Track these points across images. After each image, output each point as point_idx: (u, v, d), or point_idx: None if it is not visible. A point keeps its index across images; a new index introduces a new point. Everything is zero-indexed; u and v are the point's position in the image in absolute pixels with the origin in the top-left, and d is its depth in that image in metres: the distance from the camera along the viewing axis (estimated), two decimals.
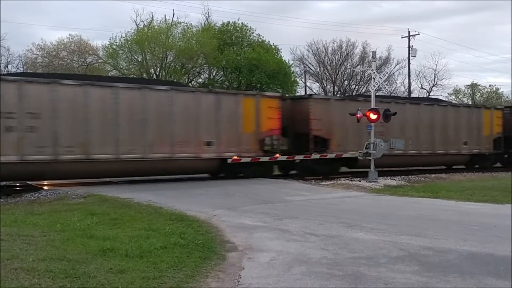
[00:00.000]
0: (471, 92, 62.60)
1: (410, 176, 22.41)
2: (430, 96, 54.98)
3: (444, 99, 53.18)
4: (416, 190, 17.01)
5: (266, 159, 20.25)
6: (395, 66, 53.06)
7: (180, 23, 38.44)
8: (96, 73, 37.82)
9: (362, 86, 49.58)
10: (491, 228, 9.80)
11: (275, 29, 66.03)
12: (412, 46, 45.69)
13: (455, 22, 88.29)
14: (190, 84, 39.22)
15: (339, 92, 50.19)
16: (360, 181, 19.60)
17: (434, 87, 57.39)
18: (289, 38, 75.28)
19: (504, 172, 26.44)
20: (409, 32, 47.00)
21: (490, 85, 65.40)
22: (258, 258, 7.43)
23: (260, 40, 40.51)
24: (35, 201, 14.28)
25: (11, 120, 15.56)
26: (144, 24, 39.26)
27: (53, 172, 16.88)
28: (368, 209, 12.71)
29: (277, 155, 20.64)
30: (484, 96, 62.21)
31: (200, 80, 40.56)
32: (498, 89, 63.94)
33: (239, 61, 37.16)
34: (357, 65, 48.70)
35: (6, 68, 41.97)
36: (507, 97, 62.68)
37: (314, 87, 53.44)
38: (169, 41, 36.42)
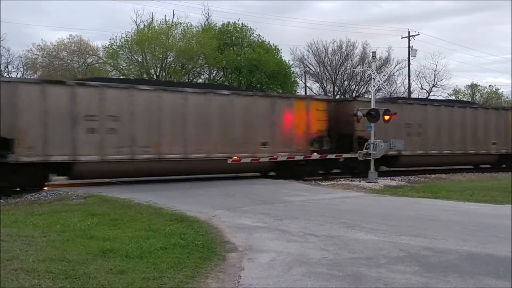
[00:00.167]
0: (471, 93, 62.60)
1: (410, 177, 22.42)
2: (429, 97, 55.01)
3: (444, 99, 53.19)
4: (416, 191, 17.01)
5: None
6: (395, 66, 53.07)
7: (180, 23, 38.48)
8: (96, 73, 37.83)
9: (362, 87, 49.58)
10: (491, 229, 9.81)
11: (275, 29, 66.13)
12: (412, 46, 45.71)
13: (455, 22, 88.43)
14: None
15: (339, 93, 50.19)
16: (360, 182, 19.60)
17: (434, 88, 57.39)
18: (289, 39, 75.35)
19: (504, 172, 26.45)
20: (409, 32, 47.04)
21: (490, 86, 65.51)
22: (258, 258, 7.44)
23: (260, 40, 40.53)
24: (35, 202, 14.28)
25: (93, 122, 16.78)
26: (144, 25, 39.30)
27: (130, 170, 18.02)
28: (368, 210, 12.72)
29: (315, 153, 21.29)
30: (484, 96, 62.21)
31: (200, 80, 40.57)
32: (498, 89, 64.07)
33: (239, 62, 37.18)
34: (357, 66, 48.67)
35: (6, 69, 41.99)
36: (507, 97, 62.75)
37: (314, 87, 53.46)
38: (169, 41, 36.44)
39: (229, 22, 40.51)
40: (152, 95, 18.11)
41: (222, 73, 40.35)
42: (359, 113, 20.10)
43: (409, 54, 46.75)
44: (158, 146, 18.01)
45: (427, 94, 56.54)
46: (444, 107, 26.33)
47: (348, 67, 50.03)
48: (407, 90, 51.39)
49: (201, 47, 35.99)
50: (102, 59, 40.28)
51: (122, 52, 37.08)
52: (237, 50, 38.54)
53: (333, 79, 51.22)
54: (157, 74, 36.94)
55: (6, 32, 50.29)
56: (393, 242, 8.48)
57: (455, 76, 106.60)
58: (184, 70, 38.38)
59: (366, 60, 47.22)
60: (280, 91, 36.35)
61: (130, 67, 37.81)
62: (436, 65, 61.96)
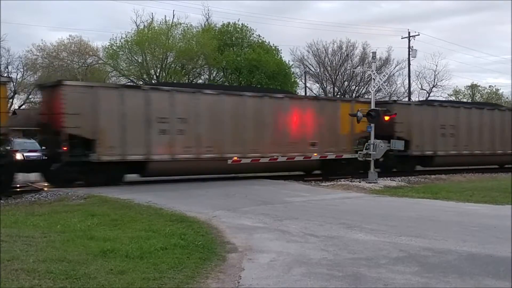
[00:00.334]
0: (471, 93, 62.60)
1: (410, 177, 22.44)
2: (429, 97, 55.03)
3: (443, 100, 53.23)
4: (416, 191, 17.00)
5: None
6: (395, 67, 53.11)
7: (180, 24, 38.56)
8: (96, 74, 37.88)
9: (362, 87, 49.60)
10: (491, 229, 9.81)
11: (275, 29, 66.16)
12: (412, 46, 45.68)
13: (455, 23, 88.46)
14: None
15: (339, 93, 50.20)
16: (360, 182, 19.60)
17: (434, 88, 57.43)
18: (289, 39, 75.39)
19: (504, 173, 26.45)
20: (409, 32, 47.02)
21: (490, 86, 65.55)
22: (258, 259, 7.44)
23: (260, 41, 40.58)
24: (36, 202, 14.29)
25: (164, 124, 18.10)
26: (144, 25, 39.37)
27: (195, 168, 19.16)
28: (368, 210, 12.72)
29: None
30: (484, 97, 62.18)
31: (200, 80, 40.60)
32: (498, 90, 64.08)
33: (239, 62, 37.22)
34: (357, 66, 48.69)
35: (6, 69, 42.01)
36: (507, 98, 62.74)
37: (314, 87, 53.52)
38: (169, 42, 36.49)
39: (229, 23, 40.60)
40: (215, 99, 19.56)
41: (222, 73, 40.39)
42: (359, 114, 20.13)
43: (409, 54, 46.77)
44: (220, 146, 19.30)
45: (427, 94, 56.60)
46: (474, 109, 27.62)
47: (348, 68, 50.06)
48: (407, 91, 51.44)
49: (201, 47, 36.02)
50: (102, 60, 40.32)
51: (122, 52, 37.13)
52: (237, 51, 38.58)
53: (333, 80, 51.24)
54: (157, 74, 36.97)
55: (6, 33, 50.13)
56: (393, 242, 8.49)
57: (455, 76, 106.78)
58: (184, 70, 38.42)
59: (366, 60, 47.23)
60: None
61: (130, 67, 37.87)
62: (436, 66, 62.11)
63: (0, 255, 6.92)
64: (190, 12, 54.64)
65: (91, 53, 41.57)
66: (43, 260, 6.87)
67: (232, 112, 19.68)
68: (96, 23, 70.57)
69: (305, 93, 49.01)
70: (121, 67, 37.90)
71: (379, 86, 22.25)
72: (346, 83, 51.59)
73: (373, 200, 15.03)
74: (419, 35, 47.19)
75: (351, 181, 20.25)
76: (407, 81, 50.62)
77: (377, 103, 25.79)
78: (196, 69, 39.67)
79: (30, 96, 41.72)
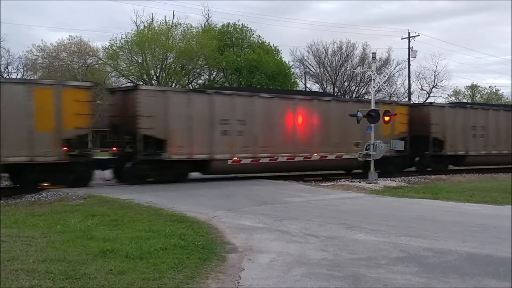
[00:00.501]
0: (471, 94, 62.61)
1: (410, 177, 22.45)
2: (429, 97, 55.07)
3: (444, 100, 53.26)
4: (416, 191, 16.99)
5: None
6: (395, 67, 53.09)
7: (180, 24, 38.57)
8: (96, 74, 37.88)
9: (362, 88, 49.59)
10: (491, 229, 9.81)
11: (275, 30, 66.17)
12: (412, 47, 45.69)
13: (455, 23, 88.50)
14: (190, 85, 39.29)
15: (339, 94, 50.21)
16: (360, 182, 19.58)
17: (434, 88, 57.41)
18: (289, 39, 75.41)
19: (504, 173, 26.45)
20: (409, 33, 47.03)
21: (490, 86, 65.56)
22: (258, 259, 7.44)
23: (260, 41, 40.59)
24: (36, 202, 14.30)
25: (226, 126, 19.50)
26: (144, 26, 39.37)
27: (251, 167, 20.57)
28: (368, 210, 12.72)
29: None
30: (484, 97, 62.21)
31: (200, 81, 40.62)
32: (498, 90, 64.04)
33: (239, 62, 37.22)
34: (357, 66, 48.68)
35: (7, 69, 42.03)
36: (507, 98, 62.73)
37: (314, 88, 53.47)
38: (169, 42, 36.50)
39: (229, 23, 40.63)
40: (269, 102, 20.89)
41: (222, 74, 40.39)
42: (359, 114, 20.13)
43: (409, 55, 46.79)
44: (274, 146, 20.58)
45: (427, 95, 56.58)
46: (503, 111, 28.86)
47: (348, 68, 50.04)
48: (407, 91, 51.43)
49: (201, 48, 36.03)
50: (102, 60, 40.34)
51: (122, 53, 37.14)
52: (237, 51, 38.59)
53: (333, 80, 51.23)
54: (157, 75, 36.98)
55: (6, 33, 50.36)
56: (393, 242, 8.49)
57: (455, 77, 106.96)
58: (184, 71, 38.42)
59: (366, 61, 47.21)
60: None
61: (130, 68, 37.88)
62: (436, 66, 62.23)
63: (0, 255, 6.92)
64: (190, 13, 54.81)
65: (91, 53, 41.59)
66: (43, 260, 6.87)
67: (284, 114, 21.08)
68: (96, 23, 70.67)
69: None
70: (121, 68, 37.91)
71: (379, 87, 22.26)
72: (346, 83, 51.58)
73: (373, 201, 15.03)
74: (419, 35, 47.26)
75: (351, 181, 20.24)
76: (407, 81, 50.69)
77: (413, 106, 28.16)
78: (196, 70, 39.67)
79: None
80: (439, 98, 57.25)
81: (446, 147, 25.78)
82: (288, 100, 21.54)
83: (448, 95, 59.96)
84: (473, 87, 62.71)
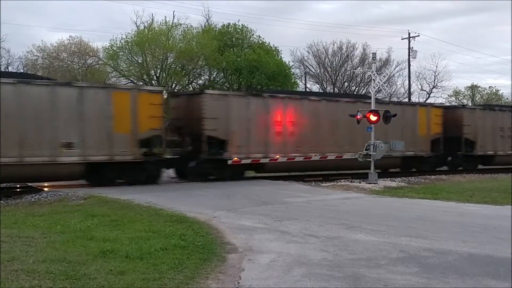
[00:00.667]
0: (471, 94, 62.59)
1: (410, 178, 22.45)
2: (429, 98, 55.09)
3: (444, 100, 53.28)
4: (416, 192, 16.99)
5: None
6: (395, 67, 53.12)
7: (181, 24, 38.52)
8: (96, 74, 37.87)
9: (362, 88, 49.58)
10: (491, 230, 9.82)
11: (275, 30, 66.08)
12: (412, 47, 45.66)
13: (455, 23, 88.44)
14: (190, 85, 39.27)
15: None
16: (360, 183, 19.58)
17: (434, 89, 57.44)
18: (289, 40, 75.36)
19: (504, 173, 26.45)
20: (409, 33, 47.03)
21: (490, 87, 65.43)
22: (258, 259, 7.44)
23: (260, 41, 40.55)
24: (36, 203, 14.30)
25: (279, 127, 20.91)
26: (144, 26, 39.32)
27: (305, 166, 21.95)
28: (368, 211, 12.72)
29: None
30: (484, 97, 62.14)
31: (201, 81, 40.60)
32: (498, 90, 63.92)
33: (239, 63, 37.19)
34: (357, 67, 48.70)
35: (7, 70, 41.98)
36: (507, 98, 62.67)
37: (314, 88, 53.49)
38: (170, 42, 36.46)
39: (229, 23, 40.58)
40: (317, 104, 22.26)
41: (222, 74, 40.37)
42: (359, 115, 20.13)
43: (409, 55, 46.78)
44: (321, 146, 21.85)
45: (427, 95, 56.59)
46: None
47: (348, 68, 50.06)
48: (407, 91, 51.45)
49: (201, 48, 36.00)
50: (102, 60, 40.31)
51: (122, 53, 37.11)
52: (237, 51, 38.55)
53: (333, 80, 51.25)
54: (157, 75, 36.97)
55: (6, 33, 50.40)
56: (393, 243, 8.49)
57: (455, 77, 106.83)
58: (184, 71, 38.39)
59: (366, 61, 47.24)
60: None
61: (130, 68, 37.85)
62: (436, 66, 62.28)
63: (0, 256, 6.93)
64: (190, 13, 54.76)
65: (91, 53, 41.54)
66: (43, 260, 6.87)
67: (330, 116, 22.32)
68: (96, 23, 70.57)
69: None
70: (121, 68, 37.88)
71: (379, 87, 22.26)
72: (346, 84, 51.60)
73: (373, 201, 15.03)
74: (419, 36, 47.26)
75: (351, 181, 20.24)
76: (407, 82, 50.72)
77: (446, 108, 29.34)
78: (196, 70, 39.62)
79: None
80: (439, 98, 57.32)
81: (476, 148, 27.17)
82: (334, 102, 22.89)
83: (448, 95, 60.01)
84: (473, 88, 62.67)
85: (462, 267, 7.00)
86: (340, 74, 51.32)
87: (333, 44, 51.06)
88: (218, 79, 40.77)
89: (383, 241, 8.65)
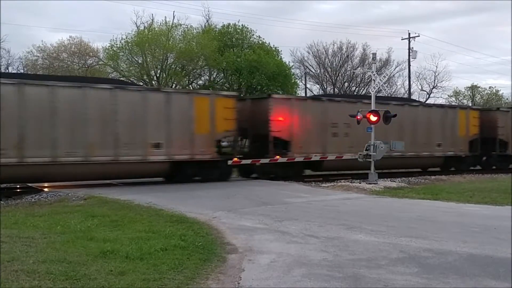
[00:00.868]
0: (471, 94, 62.57)
1: (410, 178, 22.46)
2: (429, 98, 55.07)
3: (444, 101, 53.29)
4: (416, 192, 17.00)
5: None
6: (395, 68, 53.10)
7: (181, 25, 38.46)
8: (96, 75, 37.84)
9: (363, 88, 49.58)
10: (491, 230, 9.82)
11: (275, 31, 66.09)
12: (412, 48, 45.55)
13: (455, 24, 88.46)
14: (190, 86, 39.26)
15: (339, 94, 50.19)
16: (360, 183, 19.59)
17: (434, 89, 57.43)
18: (289, 40, 75.36)
19: (504, 174, 26.46)
20: (409, 34, 47.00)
21: (490, 87, 65.43)
22: (258, 260, 7.44)
23: (260, 42, 40.50)
24: (36, 203, 14.30)
25: (335, 128, 22.50)
26: (144, 26, 39.27)
27: (351, 164, 22.48)
28: (368, 211, 12.72)
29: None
30: (484, 98, 62.14)
31: (201, 82, 40.57)
32: (498, 91, 63.89)
33: (239, 63, 37.14)
34: (357, 67, 48.69)
35: (7, 70, 41.99)
36: (507, 99, 62.65)
37: (315, 88, 53.50)
38: (170, 43, 36.42)
39: (229, 24, 40.52)
40: (364, 108, 22.52)
41: (222, 74, 40.33)
42: (359, 115, 20.16)
43: (409, 55, 46.74)
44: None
45: (427, 95, 56.59)
46: None
47: (348, 69, 50.04)
48: (407, 92, 51.43)
49: (201, 48, 35.97)
50: (102, 61, 40.28)
51: (122, 53, 37.06)
52: (237, 52, 38.50)
53: (333, 81, 51.23)
54: (157, 75, 36.95)
55: (7, 34, 50.43)
56: (393, 243, 8.49)
57: (455, 77, 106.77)
58: (184, 71, 38.36)
59: (366, 61, 47.23)
60: (280, 93, 36.35)
61: (131, 68, 37.80)
62: (436, 67, 62.16)
63: (0, 256, 6.93)
64: (190, 13, 54.83)
65: (91, 54, 41.52)
66: (43, 261, 6.87)
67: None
68: (96, 24, 70.56)
69: (305, 94, 49.03)
70: (122, 68, 37.84)
71: (379, 87, 22.26)
72: (346, 84, 51.58)
73: (373, 201, 15.03)
74: (419, 36, 47.23)
75: (351, 182, 20.26)
76: (407, 82, 50.69)
77: (483, 110, 30.92)
78: (197, 70, 39.56)
79: None
80: (439, 99, 57.31)
81: (510, 148, 28.69)
82: (385, 106, 23.73)
83: (448, 95, 60.00)
84: (473, 88, 62.65)
85: (462, 268, 7.00)
86: (340, 74, 51.30)
87: (333, 45, 51.11)
88: (218, 80, 40.74)
89: (383, 241, 8.65)
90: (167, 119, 18.57)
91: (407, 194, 16.60)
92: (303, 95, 47.26)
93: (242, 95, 29.57)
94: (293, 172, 21.42)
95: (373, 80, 21.32)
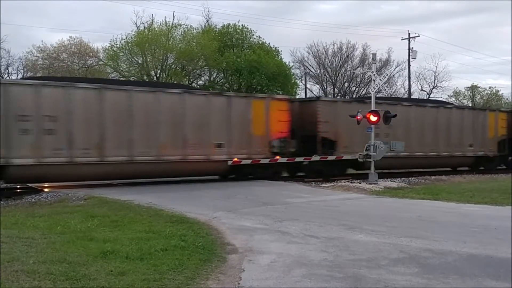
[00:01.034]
0: (471, 94, 62.57)
1: (410, 178, 22.45)
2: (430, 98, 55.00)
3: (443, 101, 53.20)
4: (416, 192, 17.00)
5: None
6: (395, 68, 53.10)
7: (181, 25, 38.46)
8: (96, 75, 37.86)
9: (362, 88, 49.59)
10: (491, 230, 9.82)
11: (275, 31, 66.08)
12: (412, 48, 45.56)
13: (455, 24, 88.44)
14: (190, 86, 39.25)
15: (339, 94, 50.21)
16: (360, 183, 19.58)
17: (434, 89, 57.43)
18: (289, 40, 75.24)
19: (504, 174, 26.46)
20: (409, 34, 46.98)
21: (490, 87, 65.44)
22: (259, 260, 7.44)
23: (260, 42, 40.50)
24: (36, 203, 14.30)
25: (377, 129, 22.32)
26: (144, 26, 39.26)
27: (399, 164, 24.53)
28: (369, 211, 12.72)
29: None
30: (484, 98, 62.13)
31: (201, 82, 40.56)
32: (498, 91, 63.87)
33: (239, 63, 37.14)
34: (357, 67, 48.69)
35: (7, 70, 42.02)
36: (507, 99, 62.65)
37: (315, 89, 53.48)
38: (170, 43, 36.43)
39: (229, 24, 40.52)
40: (408, 109, 25.25)
41: (222, 74, 40.33)
42: (359, 116, 20.17)
43: (409, 55, 46.72)
44: (412, 147, 24.48)
45: (427, 95, 56.56)
46: None
47: (348, 69, 50.02)
48: (407, 92, 51.43)
49: (201, 48, 35.97)
50: (102, 61, 40.29)
51: (122, 53, 37.06)
52: (237, 52, 38.50)
53: (333, 81, 51.22)
54: (157, 75, 36.94)
55: (7, 34, 50.29)
56: (394, 243, 8.49)
57: (455, 77, 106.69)
58: (184, 71, 38.36)
59: (366, 61, 47.19)
60: (280, 93, 36.36)
61: (131, 68, 37.81)
62: (436, 67, 62.14)
63: (0, 256, 6.92)
64: (190, 13, 54.81)
65: (91, 54, 41.53)
66: (43, 261, 6.87)
67: (418, 121, 25.41)
68: (96, 24, 70.52)
69: (305, 95, 49.04)
70: (122, 68, 37.85)
71: (379, 87, 22.27)
72: (346, 84, 51.59)
73: (373, 201, 15.03)
74: (419, 36, 47.20)
75: (351, 182, 20.25)
76: (407, 82, 50.68)
77: (510, 112, 31.72)
78: (196, 70, 39.56)
79: None
80: (439, 99, 57.22)
81: None
82: (422, 108, 26.01)
83: (448, 95, 59.99)
84: (473, 88, 62.65)
85: (462, 268, 7.00)
86: (340, 74, 51.29)
87: (333, 45, 51.08)
88: (218, 80, 40.74)
89: (383, 241, 8.65)
90: (228, 121, 19.95)
91: (407, 194, 16.60)
92: (303, 95, 47.24)
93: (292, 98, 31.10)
94: (338, 171, 22.51)
95: (373, 80, 21.32)
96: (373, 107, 20.66)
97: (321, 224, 10.38)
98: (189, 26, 38.62)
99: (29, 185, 17.88)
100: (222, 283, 6.33)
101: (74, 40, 41.73)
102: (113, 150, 17.56)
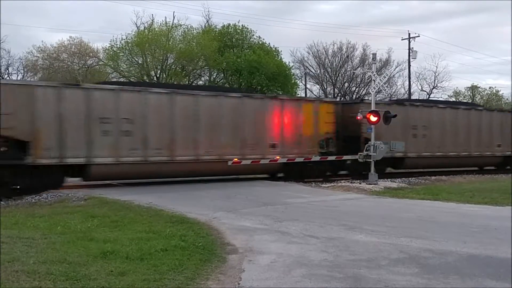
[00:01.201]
0: (471, 94, 62.57)
1: (410, 178, 22.44)
2: (429, 98, 55.01)
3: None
4: (416, 192, 16.99)
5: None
6: (395, 68, 53.07)
7: (181, 25, 38.48)
8: (96, 75, 37.88)
9: (363, 88, 49.59)
10: (491, 230, 9.82)
11: (275, 31, 66.13)
12: (412, 48, 45.53)
13: (455, 24, 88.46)
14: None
15: (339, 94, 50.21)
16: (360, 183, 19.57)
17: (434, 89, 57.42)
18: (289, 40, 75.26)
19: (504, 174, 26.46)
20: (409, 34, 46.95)
21: (490, 87, 65.42)
22: (259, 260, 7.44)
23: (260, 42, 40.50)
24: (36, 204, 14.30)
25: (414, 130, 24.84)
26: (144, 26, 39.28)
27: (434, 163, 25.78)
28: (369, 211, 12.72)
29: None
30: (484, 98, 62.12)
31: (201, 82, 40.57)
32: (498, 91, 63.87)
33: (239, 63, 37.14)
34: (357, 67, 48.68)
35: (7, 71, 42.05)
36: (507, 99, 62.66)
37: (315, 89, 53.48)
38: (170, 43, 36.45)
39: (229, 24, 40.52)
40: (443, 111, 26.30)
41: (222, 75, 40.33)
42: (359, 116, 20.17)
43: (409, 55, 46.71)
44: (446, 146, 25.96)
45: (428, 96, 56.55)
46: None
47: (348, 69, 50.00)
48: (407, 92, 51.43)
49: (202, 49, 35.97)
50: (103, 61, 40.31)
51: (122, 54, 37.08)
52: (237, 52, 38.51)
53: (333, 81, 51.20)
54: (158, 76, 36.95)
55: (7, 34, 50.17)
56: (394, 243, 8.49)
57: (455, 77, 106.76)
58: (184, 72, 38.38)
59: (366, 61, 47.17)
60: (281, 93, 36.37)
61: (131, 69, 37.83)
62: (436, 67, 61.97)
63: (0, 257, 6.93)
64: (190, 14, 54.82)
65: (91, 54, 41.54)
66: (44, 261, 6.87)
67: (452, 123, 26.42)
68: (96, 24, 70.57)
69: (305, 95, 49.00)
70: (122, 69, 37.86)
71: (379, 88, 22.30)
72: (346, 84, 51.57)
73: (373, 201, 15.03)
74: (419, 36, 47.17)
75: (351, 182, 20.24)
76: (407, 82, 50.68)
77: None
78: (197, 71, 39.59)
79: None
80: (439, 99, 57.24)
81: None
82: (455, 110, 27.11)
83: (448, 95, 59.98)
84: (473, 88, 62.65)
85: (462, 268, 7.00)
86: (340, 74, 51.27)
87: (333, 45, 51.06)
88: (218, 80, 40.74)
89: (383, 241, 8.65)
90: (281, 123, 21.12)
91: (407, 194, 16.60)
92: (303, 95, 47.22)
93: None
94: (378, 169, 22.26)
95: (373, 80, 21.32)
96: (373, 107, 20.66)
97: (321, 224, 10.38)
98: (189, 26, 38.67)
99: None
100: (222, 283, 6.33)
101: (74, 40, 41.79)
102: (181, 150, 18.92)
